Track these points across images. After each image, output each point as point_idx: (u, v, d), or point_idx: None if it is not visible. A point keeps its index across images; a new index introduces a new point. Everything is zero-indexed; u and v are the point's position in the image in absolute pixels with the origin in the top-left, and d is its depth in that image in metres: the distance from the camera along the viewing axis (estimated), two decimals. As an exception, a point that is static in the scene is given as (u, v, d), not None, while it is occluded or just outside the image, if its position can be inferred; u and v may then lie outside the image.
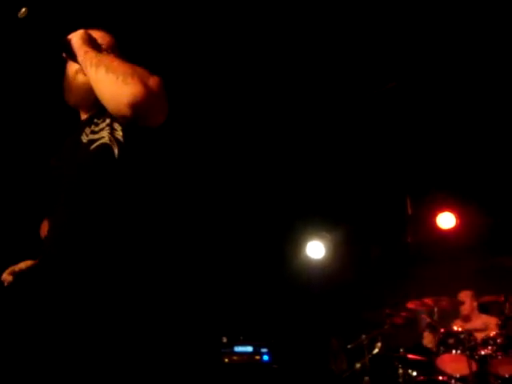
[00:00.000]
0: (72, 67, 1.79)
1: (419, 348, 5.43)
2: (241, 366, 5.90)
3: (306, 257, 7.40)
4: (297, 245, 7.44)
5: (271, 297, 7.15)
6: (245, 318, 6.63)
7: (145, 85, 1.44)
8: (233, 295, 6.56)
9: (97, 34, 1.77)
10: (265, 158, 5.75)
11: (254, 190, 6.28)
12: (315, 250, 7.32)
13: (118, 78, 1.46)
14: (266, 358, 6.16)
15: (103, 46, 1.73)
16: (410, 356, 5.15)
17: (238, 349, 5.97)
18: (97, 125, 1.67)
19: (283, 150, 5.74)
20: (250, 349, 6.01)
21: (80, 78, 1.75)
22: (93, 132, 1.67)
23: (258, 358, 6.09)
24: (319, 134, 5.50)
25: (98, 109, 1.70)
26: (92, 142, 1.65)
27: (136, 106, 1.43)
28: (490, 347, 4.64)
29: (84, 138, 1.69)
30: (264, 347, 6.13)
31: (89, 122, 1.73)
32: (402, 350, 5.14)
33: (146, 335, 1.49)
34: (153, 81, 1.49)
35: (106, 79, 1.48)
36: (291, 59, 4.48)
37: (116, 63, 1.53)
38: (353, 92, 4.93)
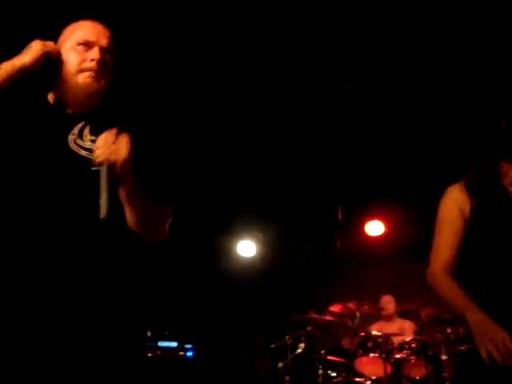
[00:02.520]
0: (71, 64, 1.68)
1: (340, 350, 5.59)
2: (164, 361, 5.87)
3: (237, 255, 7.44)
4: (228, 243, 7.47)
5: (200, 294, 7.15)
6: (171, 313, 6.60)
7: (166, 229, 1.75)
8: (160, 290, 6.51)
9: (97, 28, 1.73)
10: (197, 156, 5.73)
11: (186, 187, 6.24)
12: (246, 248, 7.38)
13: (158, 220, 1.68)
14: (190, 354, 6.15)
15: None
16: (330, 357, 5.29)
17: (163, 344, 5.94)
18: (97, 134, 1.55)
19: (217, 149, 5.75)
20: (174, 344, 5.99)
21: (82, 79, 1.67)
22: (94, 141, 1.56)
23: (181, 353, 6.07)
24: (255, 135, 5.54)
25: (96, 113, 1.67)
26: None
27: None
28: (405, 351, 4.84)
29: (76, 145, 1.60)
30: (189, 343, 6.12)
31: (82, 123, 1.66)
32: (323, 352, 5.27)
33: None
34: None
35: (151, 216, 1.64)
36: (228, 55, 4.48)
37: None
38: (292, 96, 5.00)
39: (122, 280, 1.64)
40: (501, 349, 1.63)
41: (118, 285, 1.62)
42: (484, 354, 1.66)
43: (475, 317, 1.77)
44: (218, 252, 7.44)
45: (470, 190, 1.99)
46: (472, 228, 1.94)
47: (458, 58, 4.36)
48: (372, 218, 6.81)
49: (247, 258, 7.43)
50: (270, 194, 6.65)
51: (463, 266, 1.99)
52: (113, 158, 1.43)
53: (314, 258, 7.56)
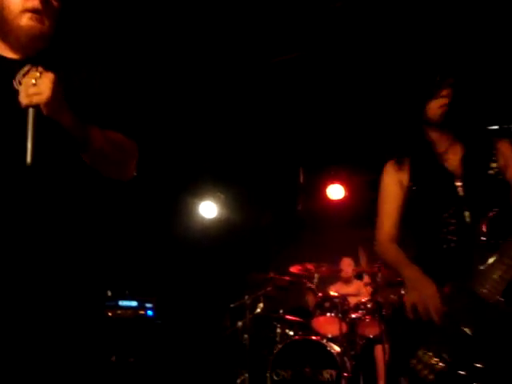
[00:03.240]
0: (13, 4, 1.55)
1: (298, 310, 5.72)
2: (124, 321, 5.90)
3: (199, 216, 7.45)
4: (190, 204, 7.46)
5: (160, 253, 7.16)
6: (131, 272, 6.60)
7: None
8: (121, 249, 6.49)
9: None
10: (160, 118, 5.66)
11: (150, 148, 6.18)
12: (208, 209, 7.39)
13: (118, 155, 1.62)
14: (150, 313, 6.18)
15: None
16: (288, 317, 5.42)
17: (123, 303, 5.95)
18: None
19: (180, 109, 5.68)
20: (134, 303, 6.00)
21: (24, 20, 1.55)
22: None
23: (142, 312, 6.11)
24: (220, 95, 5.49)
25: (41, 57, 1.56)
26: None
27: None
28: (360, 311, 5.02)
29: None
30: (149, 302, 6.15)
31: (27, 68, 1.54)
32: (281, 312, 5.40)
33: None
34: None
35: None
36: (190, 19, 4.39)
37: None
38: (254, 57, 4.94)
39: (71, 234, 1.57)
40: (427, 304, 1.71)
41: (65, 240, 1.55)
42: (408, 307, 1.75)
43: (410, 273, 1.86)
44: (180, 212, 7.44)
45: (405, 161, 2.10)
46: (409, 195, 2.05)
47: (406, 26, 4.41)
48: (333, 182, 6.90)
49: (209, 219, 7.45)
50: (233, 156, 6.64)
51: (404, 230, 2.10)
52: (35, 99, 1.37)
53: (275, 219, 7.64)
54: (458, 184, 1.93)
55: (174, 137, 6.18)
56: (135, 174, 1.76)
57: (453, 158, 2.00)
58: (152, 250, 7.19)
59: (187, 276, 7.40)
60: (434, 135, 2.04)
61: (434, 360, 1.67)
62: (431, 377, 1.66)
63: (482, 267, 1.69)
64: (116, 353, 5.47)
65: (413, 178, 2.04)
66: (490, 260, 1.68)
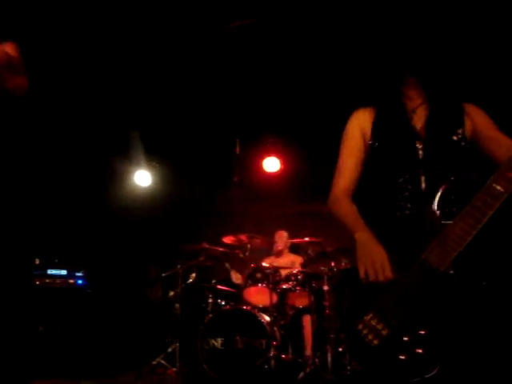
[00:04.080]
0: None
1: (230, 281, 5.79)
2: (53, 290, 5.77)
3: (133, 184, 7.33)
4: (125, 172, 7.32)
5: (92, 221, 7.01)
6: (61, 240, 6.44)
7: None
8: (50, 216, 6.31)
9: None
10: (96, 83, 5.48)
11: (83, 116, 6.00)
12: (143, 178, 7.27)
13: None
14: (80, 282, 6.08)
15: None
16: (220, 287, 5.48)
17: (52, 271, 5.81)
18: None
19: (117, 75, 5.51)
20: (64, 272, 5.88)
21: None
22: None
23: (72, 281, 6.00)
24: (155, 64, 5.36)
25: None
26: None
27: None
28: (291, 282, 5.13)
29: None
30: (79, 271, 6.05)
31: None
32: (213, 282, 5.44)
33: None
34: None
35: None
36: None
37: None
38: (186, 30, 4.84)
39: None
40: (377, 268, 1.69)
41: None
42: (362, 271, 1.72)
43: (362, 236, 1.79)
44: (114, 180, 7.28)
45: (373, 113, 1.99)
46: (369, 152, 1.96)
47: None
48: (269, 155, 6.93)
49: (143, 188, 7.34)
50: (170, 126, 6.54)
51: (361, 188, 2.02)
52: None
53: (210, 190, 7.62)
54: (419, 146, 1.85)
55: (108, 102, 6.01)
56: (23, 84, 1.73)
57: (419, 119, 1.91)
58: (84, 217, 7.02)
59: (119, 245, 7.30)
60: (408, 90, 1.94)
61: (380, 325, 1.68)
62: (376, 341, 1.68)
63: (434, 236, 1.68)
64: (44, 322, 5.37)
65: (375, 134, 1.94)
66: (443, 229, 1.66)
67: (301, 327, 5.40)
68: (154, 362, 5.51)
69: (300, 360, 4.99)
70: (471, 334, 1.68)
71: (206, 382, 4.71)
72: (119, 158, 7.06)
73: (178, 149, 7.01)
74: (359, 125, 2.00)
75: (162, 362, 5.52)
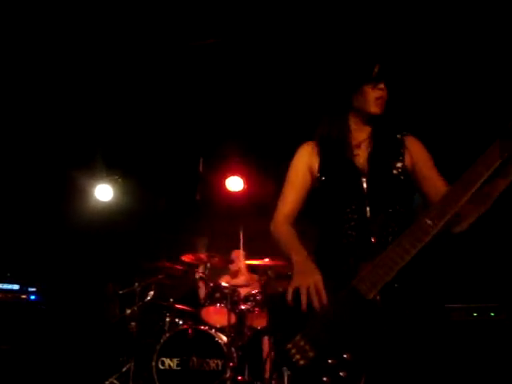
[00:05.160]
0: None
1: (188, 299, 5.71)
2: (4, 304, 5.62)
3: (94, 199, 7.18)
4: (86, 185, 7.18)
5: (49, 235, 6.84)
6: (14, 254, 6.26)
7: None
8: (5, 230, 6.14)
9: None
10: (56, 96, 5.41)
11: (43, 127, 5.91)
12: (104, 192, 7.13)
13: None
14: (33, 297, 5.93)
15: None
16: (178, 306, 5.40)
17: (3, 286, 5.67)
18: None
19: (77, 88, 5.45)
20: (16, 287, 5.73)
21: None
22: None
23: (24, 296, 5.84)
24: (120, 78, 5.32)
25: None
26: None
27: None
28: (249, 303, 5.09)
29: None
30: (32, 286, 5.89)
31: None
32: (171, 300, 5.36)
33: None
34: None
35: None
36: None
37: None
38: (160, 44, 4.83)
39: None
40: (310, 290, 1.74)
41: None
42: (290, 293, 1.78)
43: (298, 258, 1.87)
44: (74, 194, 7.13)
45: (319, 147, 2.08)
46: (317, 185, 2.05)
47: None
48: (233, 174, 6.92)
49: (103, 203, 7.20)
50: (133, 141, 6.47)
51: (312, 216, 2.09)
52: None
53: (172, 207, 7.55)
54: (363, 180, 1.94)
55: (70, 113, 5.91)
56: None
57: (362, 154, 2.01)
58: (40, 231, 6.85)
59: (77, 260, 7.13)
60: (354, 125, 2.04)
61: (308, 347, 1.73)
62: (302, 362, 1.72)
63: (368, 264, 1.74)
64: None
65: (322, 169, 2.03)
66: (377, 257, 1.73)
67: (259, 349, 5.37)
68: (107, 383, 5.36)
69: (257, 382, 4.93)
70: (391, 360, 1.74)
71: (159, 403, 4.60)
72: (80, 170, 6.93)
73: (141, 164, 6.93)
74: (306, 158, 2.09)
75: (115, 382, 5.37)
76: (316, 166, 2.05)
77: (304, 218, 2.16)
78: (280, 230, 2.04)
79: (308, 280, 1.77)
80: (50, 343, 6.23)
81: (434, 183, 1.96)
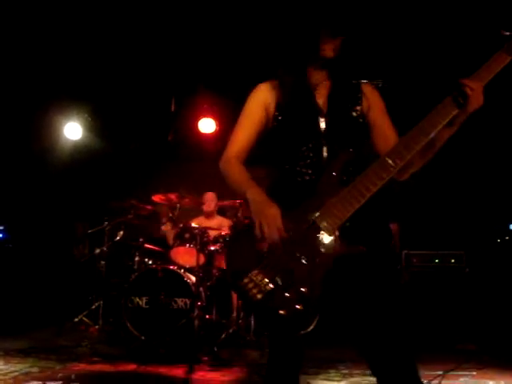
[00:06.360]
0: None
1: (158, 240, 5.72)
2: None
3: (63, 138, 7.02)
4: (55, 123, 6.99)
5: (16, 174, 6.72)
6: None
7: None
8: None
9: None
10: (27, 31, 5.19)
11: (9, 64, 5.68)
12: (73, 131, 6.96)
13: None
14: (0, 235, 5.89)
15: None
16: (147, 246, 5.41)
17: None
18: None
19: (49, 22, 5.22)
20: (-18, 224, 5.66)
21: None
22: None
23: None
24: (91, 15, 5.11)
25: None
26: None
27: None
28: (218, 244, 5.12)
29: None
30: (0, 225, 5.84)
31: None
32: (141, 240, 5.36)
33: None
34: None
35: None
36: None
37: None
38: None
39: None
40: (270, 223, 1.74)
41: None
42: (257, 226, 1.76)
43: (255, 195, 1.86)
44: (42, 131, 6.95)
45: (279, 87, 2.04)
46: (273, 123, 2.01)
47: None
48: (205, 115, 6.83)
49: (73, 141, 7.04)
50: (104, 77, 6.27)
51: (266, 156, 2.06)
52: None
53: (144, 147, 7.45)
54: (321, 120, 1.94)
55: (39, 50, 5.69)
56: None
57: (321, 94, 1.99)
58: (9, 170, 6.72)
59: (46, 200, 7.05)
60: (311, 68, 2.01)
61: (265, 281, 1.74)
62: (259, 296, 1.73)
63: (328, 201, 1.75)
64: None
65: (279, 107, 1.99)
66: (337, 195, 1.75)
67: (227, 289, 5.45)
68: (76, 319, 5.42)
69: (224, 321, 5.04)
70: (346, 293, 1.81)
71: (128, 340, 4.68)
72: (48, 107, 6.73)
73: (111, 102, 6.76)
74: (262, 97, 2.05)
75: (85, 319, 5.44)
76: (273, 104, 2.01)
77: (254, 162, 2.14)
78: (231, 166, 2.01)
79: (267, 212, 1.77)
80: (19, 282, 6.23)
81: (384, 131, 1.98)
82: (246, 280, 1.77)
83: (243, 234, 1.91)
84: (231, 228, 5.24)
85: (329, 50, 1.94)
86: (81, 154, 7.13)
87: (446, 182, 6.39)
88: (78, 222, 7.07)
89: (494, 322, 5.14)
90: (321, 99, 1.99)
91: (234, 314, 5.17)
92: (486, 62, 1.73)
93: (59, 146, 7.01)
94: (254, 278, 1.76)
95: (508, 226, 5.84)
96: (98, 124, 7.11)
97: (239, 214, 5.16)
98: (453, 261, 5.48)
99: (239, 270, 1.80)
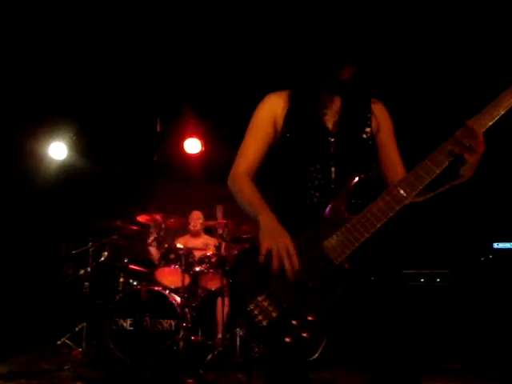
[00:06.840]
0: None
1: (143, 260, 5.68)
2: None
3: (48, 157, 6.98)
4: (39, 144, 6.95)
5: (2, 194, 6.65)
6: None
7: None
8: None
9: None
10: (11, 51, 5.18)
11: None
12: (58, 151, 6.93)
13: None
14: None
15: None
16: (132, 267, 5.37)
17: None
18: None
19: (34, 41, 5.22)
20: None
21: None
22: None
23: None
24: (78, 36, 5.12)
25: None
26: None
27: None
28: (204, 265, 5.10)
29: None
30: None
31: None
32: (126, 261, 5.32)
33: None
34: None
35: None
36: None
37: None
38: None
39: None
40: (282, 253, 1.67)
41: None
42: (264, 249, 1.69)
43: (267, 220, 1.77)
44: (27, 151, 6.91)
45: (289, 102, 1.97)
46: (280, 140, 1.94)
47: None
48: (191, 136, 6.84)
49: (58, 161, 7.00)
50: (90, 97, 6.27)
51: (270, 174, 2.00)
52: None
53: (129, 167, 7.42)
54: (331, 140, 1.88)
55: (24, 70, 5.67)
56: None
57: (332, 114, 1.93)
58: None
59: (30, 220, 6.98)
60: (324, 88, 1.94)
61: (271, 307, 1.70)
62: (264, 322, 1.69)
63: (337, 226, 1.71)
64: None
65: (287, 123, 1.92)
66: (346, 221, 1.70)
67: (213, 310, 5.42)
68: (59, 342, 5.34)
69: (209, 342, 4.99)
70: (353, 324, 1.77)
71: (112, 363, 4.61)
72: (33, 127, 6.70)
73: (97, 121, 6.74)
74: (271, 110, 1.97)
75: (68, 342, 5.35)
76: (281, 118, 1.94)
77: (260, 178, 2.02)
78: (241, 184, 1.91)
79: (279, 243, 1.69)
80: (1, 302, 6.13)
81: (390, 155, 1.95)
82: (251, 306, 1.73)
83: (247, 257, 1.84)
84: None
85: (347, 74, 1.90)
86: (66, 174, 7.09)
87: (430, 201, 6.44)
88: (62, 242, 7.00)
89: (480, 341, 5.14)
90: (331, 119, 1.93)
91: (220, 336, 5.13)
92: (492, 100, 1.67)
93: (44, 166, 6.96)
94: (260, 304, 1.72)
95: (492, 245, 5.87)
96: (83, 144, 7.08)
97: (224, 235, 5.13)
98: (438, 280, 5.50)
99: (245, 296, 1.75)
